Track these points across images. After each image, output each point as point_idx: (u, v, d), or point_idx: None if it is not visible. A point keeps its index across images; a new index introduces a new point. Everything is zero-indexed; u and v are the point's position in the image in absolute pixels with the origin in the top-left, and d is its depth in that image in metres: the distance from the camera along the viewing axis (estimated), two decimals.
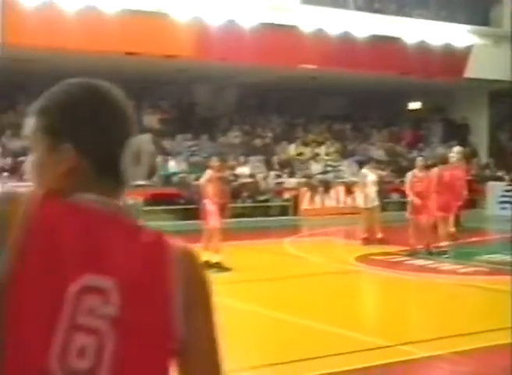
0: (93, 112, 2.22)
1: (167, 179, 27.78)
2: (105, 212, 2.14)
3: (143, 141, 2.23)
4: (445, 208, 18.85)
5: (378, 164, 24.63)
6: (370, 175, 20.95)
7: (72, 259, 2.03)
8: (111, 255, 2.09)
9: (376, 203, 20.90)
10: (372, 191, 20.85)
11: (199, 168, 27.65)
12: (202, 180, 18.20)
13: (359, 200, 21.37)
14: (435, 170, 19.66)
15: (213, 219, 17.01)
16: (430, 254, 18.40)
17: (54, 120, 2.21)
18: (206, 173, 17.84)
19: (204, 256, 16.33)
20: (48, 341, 1.96)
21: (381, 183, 21.88)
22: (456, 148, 21.76)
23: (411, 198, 18.98)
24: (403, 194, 24.30)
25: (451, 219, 19.61)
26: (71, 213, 2.10)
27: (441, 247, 18.82)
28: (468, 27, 33.51)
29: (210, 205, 17.44)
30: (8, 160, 26.13)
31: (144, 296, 2.11)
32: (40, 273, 2.00)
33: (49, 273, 2.00)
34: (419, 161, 19.82)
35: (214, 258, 16.64)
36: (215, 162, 18.67)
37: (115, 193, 2.20)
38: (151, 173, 2.25)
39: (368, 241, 20.46)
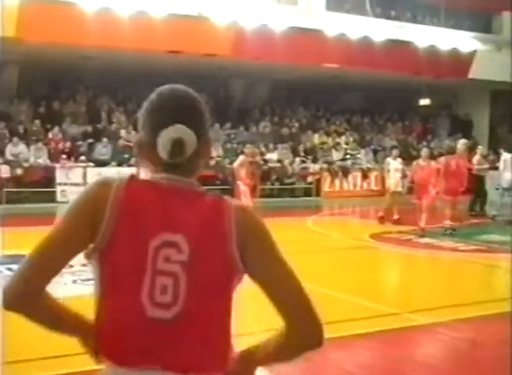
0: (154, 109, 2.67)
1: None
2: (172, 185, 2.59)
3: (168, 131, 2.57)
4: (451, 192, 18.90)
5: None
6: (393, 162, 20.88)
7: (152, 223, 2.49)
8: (179, 217, 2.52)
9: (399, 188, 20.85)
10: (396, 176, 20.78)
11: (233, 153, 27.80)
12: (236, 164, 18.33)
13: (387, 184, 21.22)
14: (442, 159, 19.71)
15: (245, 199, 17.09)
16: (433, 233, 18.39)
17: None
18: (239, 158, 17.94)
19: None
20: (139, 284, 2.46)
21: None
22: (462, 141, 21.77)
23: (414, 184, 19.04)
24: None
25: (457, 202, 19.61)
26: (148, 189, 2.57)
27: (447, 227, 18.86)
28: (472, 34, 33.43)
29: (242, 186, 17.58)
30: (68, 144, 26.19)
31: (206, 244, 2.51)
32: (129, 235, 2.48)
33: (135, 234, 2.48)
34: (424, 152, 19.79)
35: None
36: (248, 148, 18.80)
37: (177, 171, 2.61)
38: (171, 156, 2.57)
39: (383, 219, 20.44)
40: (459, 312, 10.34)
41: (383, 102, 36.65)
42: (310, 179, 29.39)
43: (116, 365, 2.50)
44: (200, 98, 2.77)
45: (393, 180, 20.63)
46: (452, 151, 20.79)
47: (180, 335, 2.49)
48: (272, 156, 29.63)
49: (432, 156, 20.96)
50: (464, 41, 32.35)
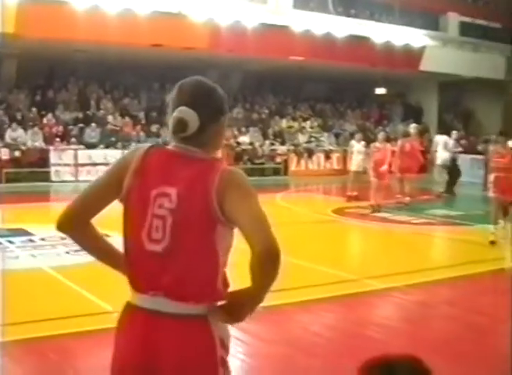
0: (174, 96, 3.14)
1: None
2: (178, 152, 3.06)
3: (175, 112, 3.06)
4: (405, 171, 19.09)
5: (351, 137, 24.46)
6: (356, 145, 20.83)
7: (155, 178, 3.00)
8: (176, 175, 2.97)
9: (361, 169, 20.82)
10: (358, 158, 20.73)
11: None
12: None
13: (351, 164, 21.12)
14: (399, 142, 19.89)
15: None
16: (388, 208, 18.40)
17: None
18: None
19: None
20: (142, 224, 2.96)
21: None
22: (413, 125, 21.91)
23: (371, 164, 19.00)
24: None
25: (411, 179, 19.74)
26: (160, 153, 3.09)
27: (400, 201, 18.96)
28: (423, 31, 33.43)
29: None
30: (61, 128, 26.10)
31: (191, 195, 2.92)
32: (139, 187, 3.00)
33: (143, 187, 2.99)
34: (380, 135, 19.80)
35: None
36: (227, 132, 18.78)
37: (189, 142, 3.05)
38: (174, 131, 3.06)
39: (351, 198, 20.37)
40: (411, 278, 10.38)
41: (344, 91, 36.67)
42: (278, 159, 29.40)
43: (135, 291, 3.03)
44: (217, 88, 3.23)
45: (355, 161, 20.60)
46: (406, 134, 20.92)
47: (169, 265, 2.92)
48: (244, 139, 29.62)
49: (388, 139, 20.95)
50: (415, 37, 32.37)
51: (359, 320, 8.42)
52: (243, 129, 30.34)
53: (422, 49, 32.28)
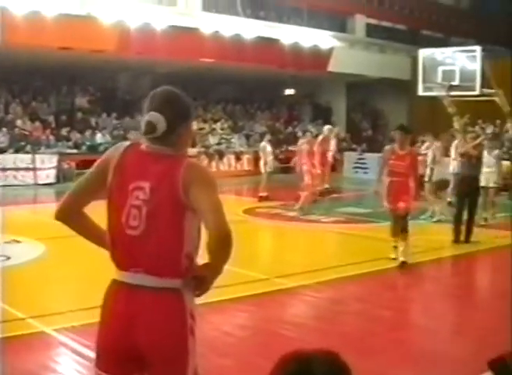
0: (147, 103, 3.76)
1: (94, 148, 27.55)
2: (150, 151, 3.62)
3: (145, 116, 3.66)
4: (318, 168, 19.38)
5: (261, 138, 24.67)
6: (267, 146, 21.05)
7: (131, 174, 3.57)
8: (149, 170, 3.55)
9: (272, 169, 21.11)
10: (270, 159, 20.98)
11: (120, 139, 27.57)
12: None
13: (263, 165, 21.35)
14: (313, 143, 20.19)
15: None
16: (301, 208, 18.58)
17: None
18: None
19: None
20: (121, 213, 3.54)
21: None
22: (326, 127, 22.21)
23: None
24: (279, 161, 24.74)
25: (322, 177, 20.03)
26: (136, 152, 3.65)
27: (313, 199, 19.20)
28: (330, 33, 33.91)
29: None
30: None
31: (161, 188, 3.51)
32: (119, 182, 3.59)
33: (122, 181, 3.58)
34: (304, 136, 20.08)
35: None
36: (133, 135, 18.82)
37: (159, 142, 3.61)
38: (144, 132, 3.62)
39: (262, 198, 20.53)
40: (321, 276, 10.57)
41: (254, 92, 36.86)
42: None
43: (118, 269, 3.60)
44: (183, 96, 3.75)
45: (267, 162, 20.83)
46: (317, 135, 21.27)
47: (145, 246, 3.50)
48: None
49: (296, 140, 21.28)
50: (323, 39, 32.74)
51: (271, 319, 8.57)
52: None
53: (330, 50, 32.67)
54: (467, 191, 14.32)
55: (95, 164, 3.75)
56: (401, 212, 11.44)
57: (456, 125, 25.12)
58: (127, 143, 3.74)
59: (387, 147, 12.33)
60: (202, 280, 3.52)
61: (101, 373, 3.62)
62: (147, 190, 3.50)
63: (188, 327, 3.53)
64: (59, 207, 3.76)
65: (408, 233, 11.56)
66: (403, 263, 11.42)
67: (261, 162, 21.36)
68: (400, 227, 11.61)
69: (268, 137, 21.86)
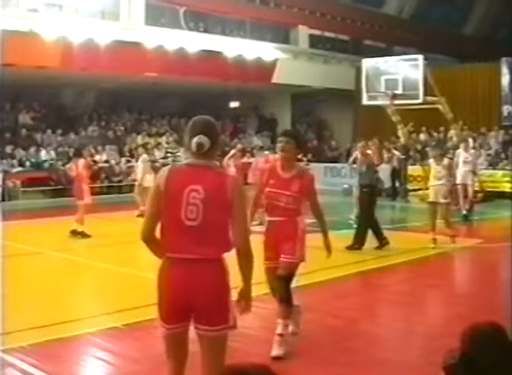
0: (191, 128, 5.00)
1: (39, 165, 27.39)
2: (196, 164, 4.84)
3: (195, 138, 4.84)
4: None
5: None
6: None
7: (185, 181, 4.73)
8: (199, 177, 4.75)
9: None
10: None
11: (65, 156, 27.52)
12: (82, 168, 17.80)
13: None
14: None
15: (87, 198, 16.95)
16: None
17: None
18: (82, 161, 17.44)
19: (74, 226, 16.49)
20: (180, 210, 4.69)
21: None
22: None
23: None
24: None
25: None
26: (182, 168, 4.95)
27: None
28: (274, 45, 34.24)
29: (86, 186, 17.27)
30: None
31: (214, 189, 4.72)
32: (174, 188, 4.73)
33: (177, 188, 4.72)
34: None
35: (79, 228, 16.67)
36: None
37: (203, 157, 4.84)
38: (196, 150, 4.83)
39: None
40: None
41: (198, 105, 36.59)
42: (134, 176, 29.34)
43: (174, 250, 4.73)
44: (215, 122, 5.12)
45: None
46: (261, 148, 21.27)
47: (202, 235, 4.69)
48: (101, 157, 29.44)
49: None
50: (266, 50, 32.98)
51: None
52: (100, 147, 30.15)
53: (274, 62, 32.88)
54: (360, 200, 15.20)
55: (151, 192, 4.93)
56: (281, 271, 7.63)
57: (401, 133, 25.50)
58: (168, 167, 4.96)
59: (260, 159, 9.89)
60: (243, 302, 4.94)
61: (163, 323, 4.86)
62: (201, 191, 4.69)
63: (228, 286, 4.78)
64: (144, 231, 4.87)
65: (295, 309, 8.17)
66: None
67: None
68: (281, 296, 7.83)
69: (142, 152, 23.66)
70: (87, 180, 17.56)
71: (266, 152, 20.55)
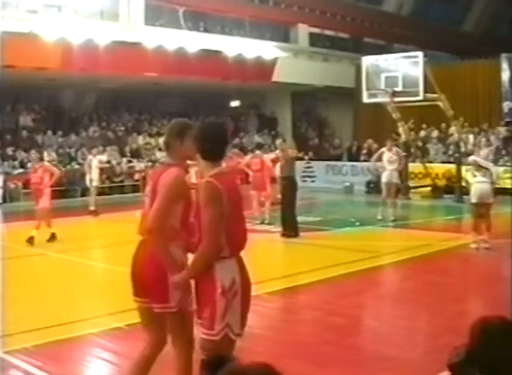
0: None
1: None
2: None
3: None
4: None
5: None
6: (94, 161, 23.14)
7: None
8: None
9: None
10: (95, 173, 22.95)
11: (66, 157, 27.52)
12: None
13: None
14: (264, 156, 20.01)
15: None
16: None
17: None
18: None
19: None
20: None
21: None
22: (278, 140, 22.21)
23: None
24: None
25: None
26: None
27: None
28: (274, 43, 34.16)
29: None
30: None
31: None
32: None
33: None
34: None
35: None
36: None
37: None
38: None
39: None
40: (272, 286, 10.56)
41: (198, 105, 36.83)
42: (136, 176, 29.30)
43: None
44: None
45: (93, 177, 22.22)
46: (261, 146, 21.22)
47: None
48: (102, 158, 29.40)
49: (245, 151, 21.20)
50: (266, 49, 32.91)
51: None
52: (100, 148, 30.11)
53: (274, 61, 32.82)
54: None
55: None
56: None
57: (401, 130, 25.49)
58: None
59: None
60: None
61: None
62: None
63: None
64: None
65: None
66: None
67: (87, 177, 22.64)
68: None
69: (95, 151, 22.48)
70: (47, 185, 17.01)
71: (258, 152, 20.39)
